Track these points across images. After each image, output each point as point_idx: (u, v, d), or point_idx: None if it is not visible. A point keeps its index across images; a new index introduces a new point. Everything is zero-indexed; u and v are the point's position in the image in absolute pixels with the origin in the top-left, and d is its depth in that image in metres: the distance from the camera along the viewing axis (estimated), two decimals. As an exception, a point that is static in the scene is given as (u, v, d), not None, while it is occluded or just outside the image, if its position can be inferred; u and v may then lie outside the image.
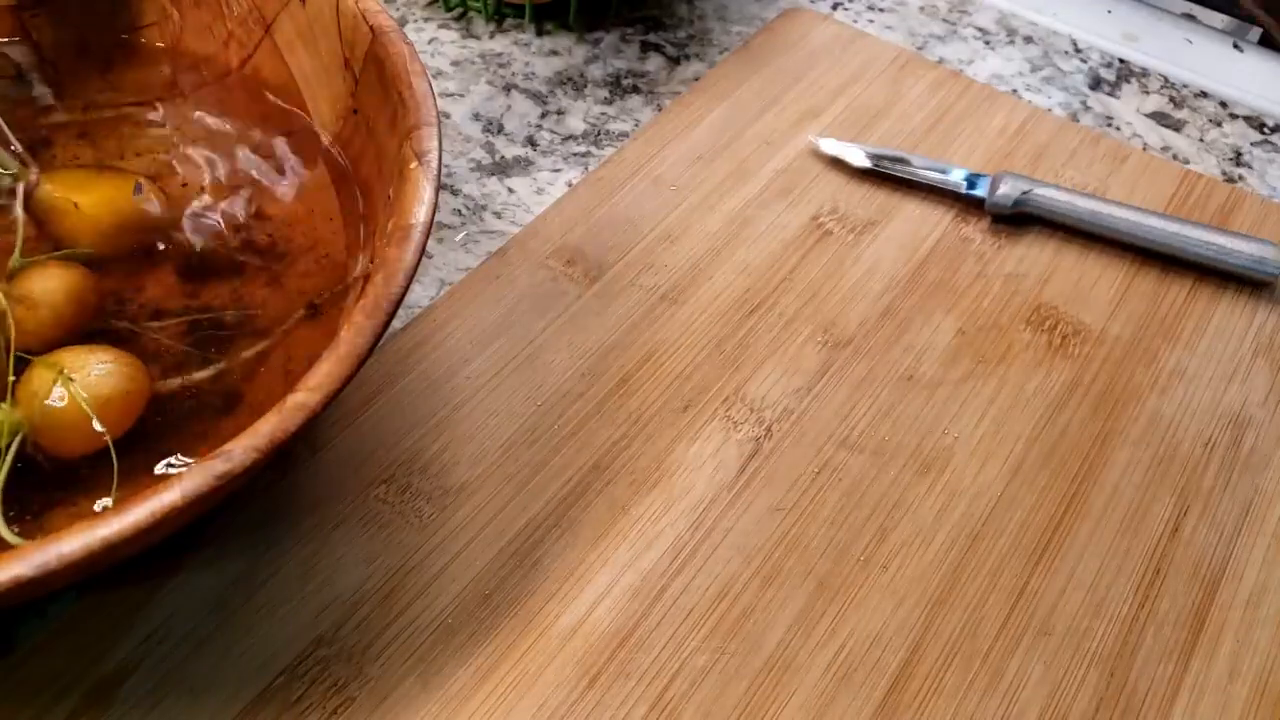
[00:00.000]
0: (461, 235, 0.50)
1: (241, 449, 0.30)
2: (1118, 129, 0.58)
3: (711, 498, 0.41)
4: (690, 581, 0.39)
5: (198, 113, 0.48)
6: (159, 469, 0.37)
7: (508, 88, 0.58)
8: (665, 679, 0.37)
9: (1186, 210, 0.53)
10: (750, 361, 0.46)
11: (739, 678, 0.37)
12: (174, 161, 0.46)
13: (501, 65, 0.59)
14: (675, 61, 0.59)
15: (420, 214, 0.37)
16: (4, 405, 0.36)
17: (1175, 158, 0.57)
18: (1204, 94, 0.61)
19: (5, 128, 0.42)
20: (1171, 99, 0.61)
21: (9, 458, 0.35)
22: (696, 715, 0.36)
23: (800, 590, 0.39)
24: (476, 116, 0.56)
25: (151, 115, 0.48)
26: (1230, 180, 0.56)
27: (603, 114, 0.56)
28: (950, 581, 0.40)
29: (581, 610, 0.38)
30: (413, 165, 0.38)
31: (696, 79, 0.58)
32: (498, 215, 0.51)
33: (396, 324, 0.45)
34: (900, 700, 0.37)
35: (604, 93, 0.58)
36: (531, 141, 0.55)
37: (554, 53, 0.60)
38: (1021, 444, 0.44)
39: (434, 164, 0.38)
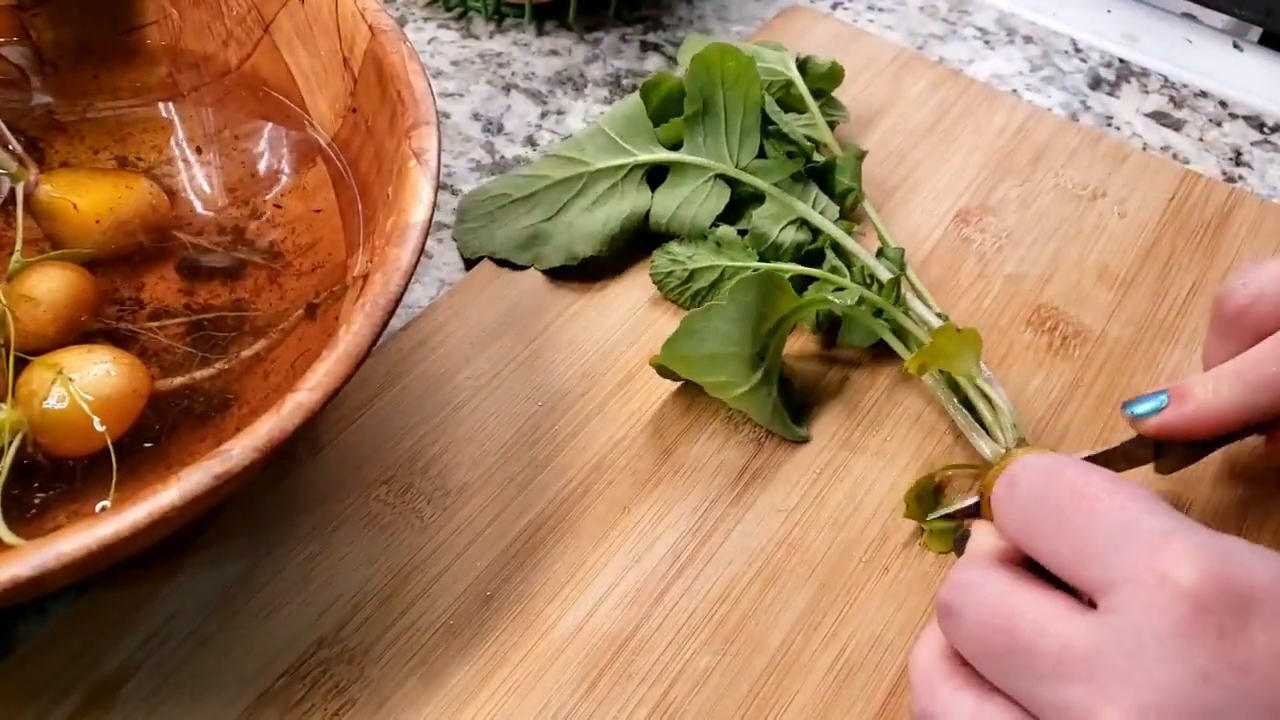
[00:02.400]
0: (461, 235, 0.50)
1: (240, 449, 0.30)
2: (1118, 129, 0.58)
3: (713, 498, 0.41)
4: (692, 583, 0.39)
5: (197, 112, 0.48)
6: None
7: (507, 87, 0.58)
8: (667, 681, 0.37)
9: (1186, 210, 0.53)
10: (751, 362, 0.45)
11: (741, 679, 0.37)
12: (173, 161, 0.46)
13: (501, 65, 0.59)
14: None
15: (419, 213, 0.37)
16: (4, 405, 0.36)
17: (1175, 157, 0.57)
18: (1204, 94, 0.61)
19: (5, 128, 0.42)
20: (1171, 99, 0.61)
21: (9, 458, 0.35)
22: (698, 717, 0.36)
23: (802, 592, 0.39)
24: (476, 116, 0.56)
25: (151, 115, 0.48)
26: (1230, 180, 0.56)
27: (602, 114, 0.56)
28: (952, 582, 0.40)
29: (583, 611, 0.38)
30: (412, 164, 0.38)
31: (696, 79, 0.58)
32: (498, 215, 0.51)
33: (396, 324, 0.45)
34: (902, 702, 0.37)
35: (604, 92, 0.58)
36: (531, 141, 0.55)
37: (554, 52, 0.60)
38: (1023, 444, 0.43)
39: (433, 163, 0.38)
